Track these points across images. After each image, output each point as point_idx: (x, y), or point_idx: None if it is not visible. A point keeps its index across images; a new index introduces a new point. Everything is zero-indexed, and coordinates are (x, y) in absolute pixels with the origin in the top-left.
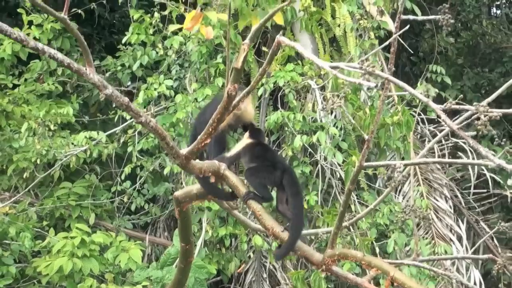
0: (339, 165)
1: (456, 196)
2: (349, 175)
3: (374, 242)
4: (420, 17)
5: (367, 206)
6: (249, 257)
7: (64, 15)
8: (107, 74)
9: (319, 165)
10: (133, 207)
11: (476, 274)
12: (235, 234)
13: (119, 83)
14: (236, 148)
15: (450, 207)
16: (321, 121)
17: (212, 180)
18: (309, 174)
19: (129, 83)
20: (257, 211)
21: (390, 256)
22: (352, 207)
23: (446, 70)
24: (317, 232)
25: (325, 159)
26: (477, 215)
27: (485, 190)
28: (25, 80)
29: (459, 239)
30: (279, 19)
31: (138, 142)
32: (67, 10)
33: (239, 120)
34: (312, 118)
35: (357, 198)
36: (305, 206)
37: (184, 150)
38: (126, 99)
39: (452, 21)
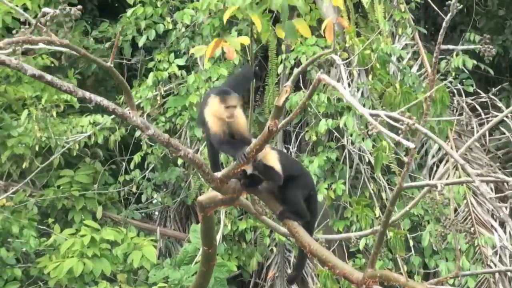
0: (368, 150)
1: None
2: (379, 161)
3: (407, 234)
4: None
5: (402, 194)
6: (271, 251)
7: (110, 64)
8: (106, 44)
9: (346, 150)
10: (143, 198)
11: None
12: (256, 227)
13: (120, 51)
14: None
15: (492, 189)
16: (346, 101)
17: (244, 195)
18: (335, 160)
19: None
20: (293, 228)
21: (425, 250)
22: (383, 194)
23: (486, 24)
24: (350, 236)
25: (352, 143)
26: None
27: None
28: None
29: (502, 224)
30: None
31: None
32: (113, 60)
33: (231, 128)
34: (335, 97)
35: (387, 184)
36: (332, 195)
37: (219, 174)
38: (166, 136)
39: (494, 50)
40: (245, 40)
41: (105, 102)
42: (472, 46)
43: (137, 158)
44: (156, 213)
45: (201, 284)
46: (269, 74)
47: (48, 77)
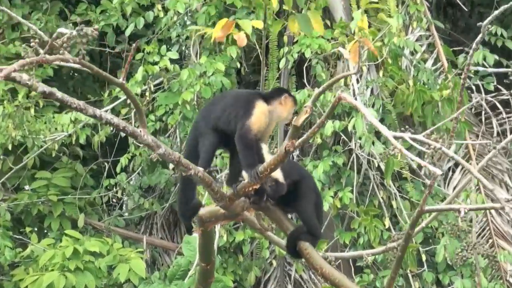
0: (378, 155)
1: None
2: (390, 168)
3: (420, 248)
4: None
5: (410, 201)
6: (270, 264)
7: (122, 81)
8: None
9: (353, 155)
10: (130, 204)
11: None
12: (254, 238)
13: (103, 37)
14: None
15: None
16: (355, 99)
17: (252, 214)
18: (342, 166)
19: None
20: (304, 249)
21: (439, 265)
22: (394, 203)
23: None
24: (361, 255)
25: (361, 147)
26: None
27: None
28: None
29: None
30: (319, 27)
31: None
32: (125, 77)
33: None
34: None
35: (398, 191)
36: (338, 204)
37: (228, 192)
38: (177, 155)
39: None
40: (259, 23)
41: (115, 120)
42: (500, 70)
43: (124, 160)
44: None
45: None
46: (269, 68)
47: (59, 94)
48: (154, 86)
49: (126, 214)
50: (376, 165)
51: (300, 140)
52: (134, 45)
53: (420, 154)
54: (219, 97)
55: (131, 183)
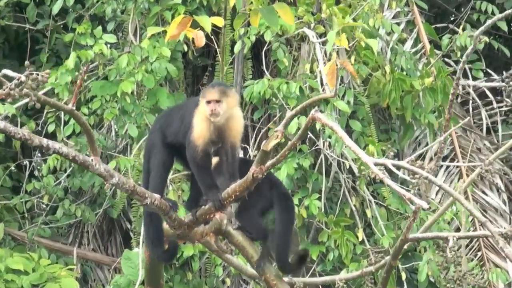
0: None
1: None
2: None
3: (399, 265)
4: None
5: (386, 208)
6: (223, 282)
7: (72, 107)
8: (1, 3)
9: (322, 156)
10: (59, 213)
11: None
12: (204, 252)
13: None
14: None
15: (504, 202)
16: (323, 89)
17: (213, 240)
18: (308, 168)
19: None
20: (271, 280)
21: (421, 284)
22: (368, 211)
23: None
24: (334, 280)
25: (330, 146)
26: None
27: None
28: None
29: None
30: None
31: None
32: (74, 103)
33: (221, 133)
34: (307, 83)
35: (373, 197)
36: (304, 213)
37: (187, 219)
38: (132, 184)
39: None
40: (219, 20)
41: (64, 149)
42: (494, 84)
43: (52, 161)
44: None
45: None
46: (221, 51)
47: (1, 124)
48: (88, 72)
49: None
50: (348, 166)
51: (268, 163)
52: (81, 71)
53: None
54: (179, 105)
55: (60, 186)
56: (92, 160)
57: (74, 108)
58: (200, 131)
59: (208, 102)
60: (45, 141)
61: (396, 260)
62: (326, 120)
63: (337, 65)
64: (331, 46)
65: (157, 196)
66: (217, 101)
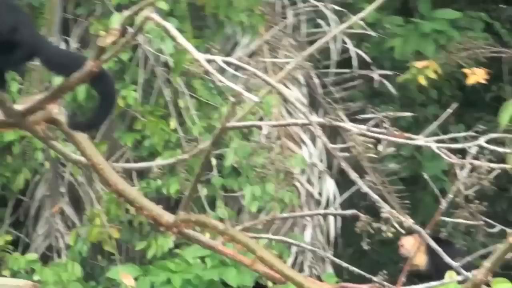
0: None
1: (312, 79)
2: (180, 66)
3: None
4: None
5: (198, 99)
6: (42, 165)
7: None
8: None
9: (141, 50)
10: None
11: (330, 185)
12: (24, 137)
13: None
14: None
15: (304, 96)
16: None
17: (42, 128)
18: (128, 62)
19: None
20: (98, 165)
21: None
22: (180, 102)
23: None
24: (150, 166)
25: (150, 42)
26: (336, 102)
27: (347, 70)
28: None
29: (313, 139)
30: None
31: None
32: None
33: None
34: None
35: (187, 90)
36: (122, 103)
37: (21, 107)
38: None
39: None
40: None
41: None
42: None
43: None
44: None
45: None
46: None
47: None
48: None
49: None
50: (164, 59)
51: (106, 57)
52: None
53: None
54: None
55: None
56: None
57: None
58: None
59: None
60: None
61: (213, 146)
62: (160, 19)
63: None
64: None
65: None
66: None
